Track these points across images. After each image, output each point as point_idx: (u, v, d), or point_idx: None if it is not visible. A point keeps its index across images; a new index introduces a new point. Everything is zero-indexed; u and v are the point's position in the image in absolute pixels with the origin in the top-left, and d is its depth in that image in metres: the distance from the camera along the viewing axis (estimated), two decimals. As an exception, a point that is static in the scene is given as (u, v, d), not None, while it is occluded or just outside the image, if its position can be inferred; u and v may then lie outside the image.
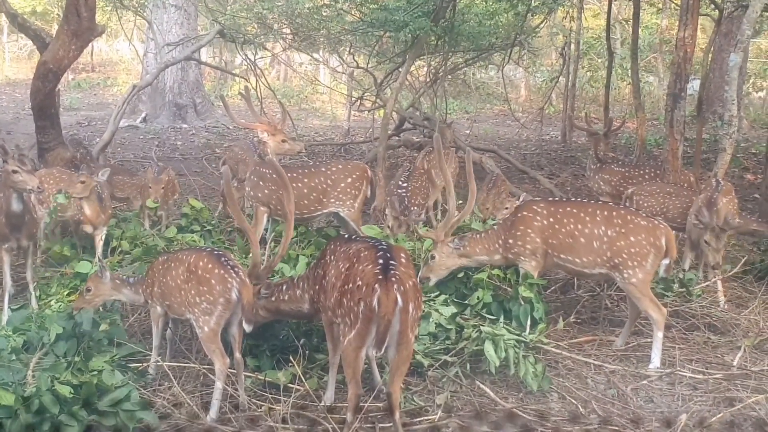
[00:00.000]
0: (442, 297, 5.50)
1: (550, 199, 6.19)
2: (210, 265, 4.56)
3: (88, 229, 6.57)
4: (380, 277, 4.05)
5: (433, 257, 5.76)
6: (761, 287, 6.80)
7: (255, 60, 13.80)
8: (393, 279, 4.04)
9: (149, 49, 17.52)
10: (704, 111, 13.31)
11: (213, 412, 4.49)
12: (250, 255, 4.94)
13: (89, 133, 14.97)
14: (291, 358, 4.84)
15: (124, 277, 5.14)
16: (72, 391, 4.28)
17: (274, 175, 7.04)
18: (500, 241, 5.79)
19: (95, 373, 4.47)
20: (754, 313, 6.26)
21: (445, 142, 9.69)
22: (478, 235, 5.90)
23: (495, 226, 5.96)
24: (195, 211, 7.49)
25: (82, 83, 23.54)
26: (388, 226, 7.03)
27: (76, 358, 4.64)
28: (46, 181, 6.62)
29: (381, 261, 4.15)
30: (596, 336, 5.87)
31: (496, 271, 5.85)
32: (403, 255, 4.34)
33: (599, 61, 19.52)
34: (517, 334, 5.12)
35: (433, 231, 5.88)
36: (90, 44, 11.52)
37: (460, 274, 5.73)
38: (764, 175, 8.79)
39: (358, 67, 14.55)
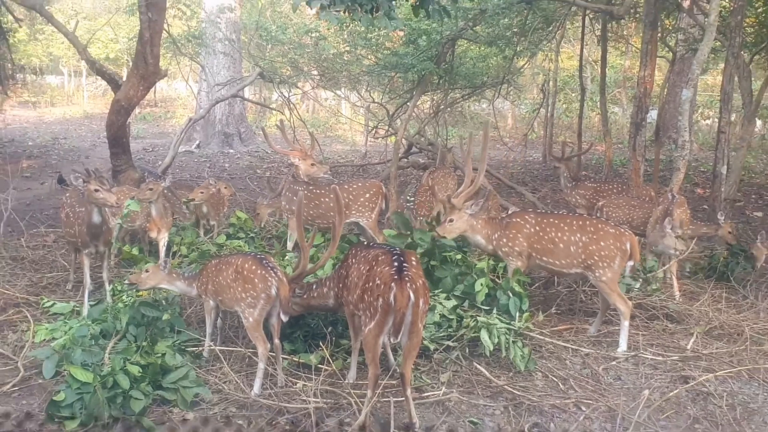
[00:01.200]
0: (445, 293, 5.48)
1: (538, 210, 6.16)
2: (254, 267, 4.57)
3: (153, 234, 6.59)
4: (396, 277, 4.05)
5: (452, 220, 5.73)
6: (710, 284, 6.78)
7: (289, 96, 13.83)
8: (406, 279, 4.05)
9: (202, 88, 17.61)
10: (661, 136, 13.26)
11: (256, 388, 4.50)
12: (288, 258, 4.94)
13: (153, 158, 15.05)
14: (320, 343, 4.86)
15: (181, 271, 5.15)
16: (140, 370, 4.31)
17: (306, 192, 7.12)
18: (496, 235, 5.77)
19: (159, 355, 4.50)
20: (704, 305, 6.21)
21: (446, 164, 9.72)
22: (489, 221, 5.87)
23: (496, 220, 5.92)
24: (241, 222, 7.51)
25: (147, 116, 23.67)
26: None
27: (144, 343, 4.66)
28: (119, 197, 6.66)
29: (396, 264, 4.15)
30: (573, 324, 5.84)
31: (491, 262, 5.82)
32: (413, 259, 4.34)
33: (573, 95, 19.48)
34: (507, 323, 5.09)
35: (455, 200, 5.81)
36: (154, 85, 11.59)
37: (456, 270, 5.69)
38: (711, 189, 8.73)
39: (373, 101, 14.58)
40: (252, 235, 7.37)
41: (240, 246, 6.73)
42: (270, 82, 12.56)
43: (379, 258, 4.26)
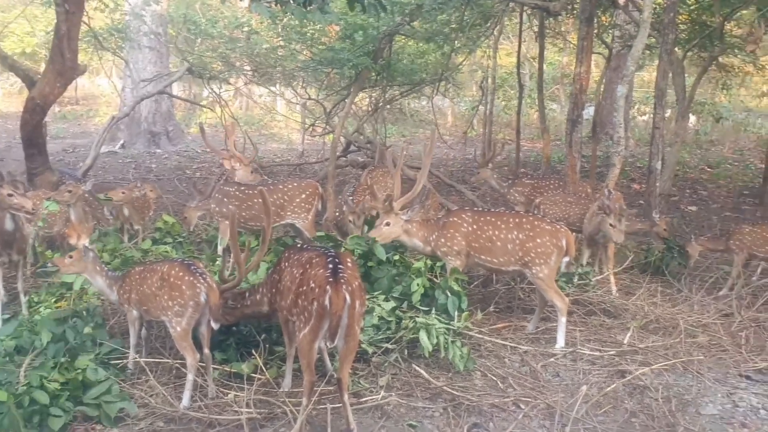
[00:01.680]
0: (383, 295, 5.49)
1: (475, 209, 6.26)
2: (181, 273, 4.48)
3: (73, 240, 6.35)
4: (331, 279, 4.03)
5: (388, 224, 5.74)
6: (645, 278, 7.02)
7: (220, 93, 13.62)
8: (342, 281, 4.04)
9: (126, 85, 17.15)
10: (598, 133, 13.64)
11: (186, 400, 4.41)
12: (218, 264, 4.86)
13: (74, 159, 14.57)
14: (253, 351, 4.79)
15: (107, 268, 4.99)
16: (60, 386, 4.16)
17: (237, 193, 7.03)
18: (434, 236, 5.82)
19: (80, 370, 4.35)
20: (640, 299, 6.42)
21: (385, 162, 9.75)
22: (425, 223, 5.90)
23: (432, 221, 5.97)
24: (168, 225, 7.34)
25: (68, 115, 22.89)
26: (351, 221, 6.91)
27: (63, 358, 4.50)
28: (35, 202, 6.41)
29: (331, 266, 4.14)
30: (511, 322, 5.95)
31: (428, 262, 5.86)
32: (349, 260, 4.33)
33: (512, 92, 19.84)
34: (446, 323, 5.14)
35: (395, 203, 5.82)
36: (73, 81, 11.22)
37: (393, 271, 5.71)
38: (647, 184, 9.02)
39: (309, 98, 14.48)
40: (180, 239, 7.21)
41: (167, 251, 6.58)
42: (199, 77, 12.34)
43: (313, 260, 4.24)
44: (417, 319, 5.11)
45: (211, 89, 13.22)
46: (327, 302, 3.97)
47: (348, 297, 3.99)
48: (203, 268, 4.61)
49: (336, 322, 3.96)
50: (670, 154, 11.11)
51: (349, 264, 4.24)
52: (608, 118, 15.57)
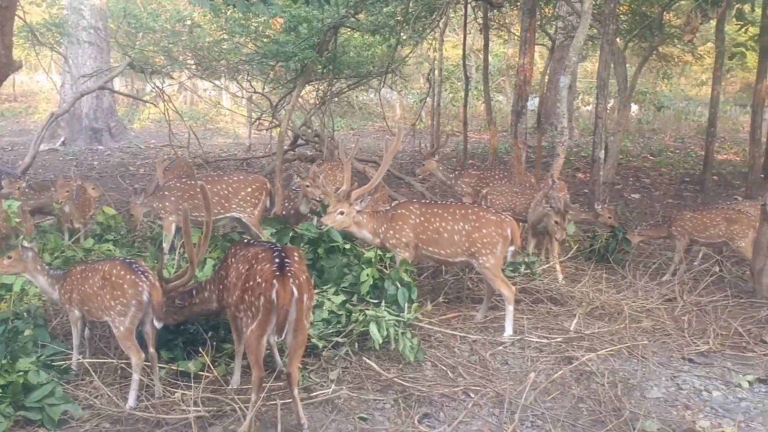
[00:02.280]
0: (333, 288, 5.49)
1: (423, 201, 6.30)
2: (123, 272, 4.39)
3: (12, 240, 6.18)
4: (277, 273, 4.02)
5: (342, 213, 5.73)
6: (590, 266, 7.18)
7: (163, 87, 13.35)
8: (289, 274, 4.02)
9: (66, 81, 16.67)
10: (543, 123, 13.94)
11: (131, 401, 4.33)
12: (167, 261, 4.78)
13: (13, 157, 14.11)
14: (201, 349, 4.74)
15: (47, 267, 4.86)
16: (0, 391, 4.04)
17: (179, 185, 6.94)
18: (382, 228, 5.85)
19: (21, 373, 4.23)
20: (585, 287, 6.56)
21: (335, 155, 9.74)
22: (374, 214, 5.92)
23: (381, 213, 5.98)
24: (108, 218, 7.18)
25: (6, 112, 22.16)
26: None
27: (4, 361, 4.37)
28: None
29: (277, 260, 4.12)
30: (461, 312, 6.01)
31: (379, 253, 5.87)
32: (296, 254, 4.32)
33: (458, 84, 20.06)
34: (396, 315, 5.15)
35: (354, 193, 5.81)
36: (11, 77, 10.84)
37: (344, 260, 5.71)
38: (591, 173, 9.21)
39: (255, 92, 14.36)
40: (119, 236, 7.06)
41: (110, 250, 6.44)
42: (141, 72, 12.06)
43: (259, 256, 4.21)
44: (367, 311, 5.12)
45: (154, 84, 12.94)
46: (274, 296, 3.95)
47: (295, 291, 3.98)
48: (146, 267, 4.52)
49: (284, 317, 3.94)
50: (613, 143, 11.42)
51: (296, 258, 4.23)
52: (552, 108, 15.88)
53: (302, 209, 7.21)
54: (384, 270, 5.73)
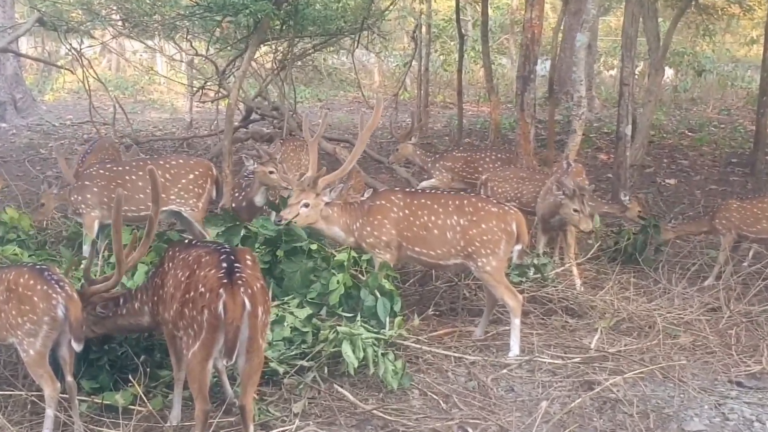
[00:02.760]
0: (297, 300, 5.49)
1: (407, 190, 6.31)
2: (32, 282, 4.35)
3: None
4: (225, 281, 4.02)
5: (306, 205, 5.73)
6: (615, 268, 7.22)
7: (81, 50, 13.22)
8: (239, 282, 4.02)
9: (-44, 41, 16.46)
10: (556, 92, 13.98)
11: (44, 443, 4.32)
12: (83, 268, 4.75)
13: None
14: (131, 377, 4.71)
15: None
16: None
17: (103, 172, 6.89)
18: (357, 224, 5.85)
19: None
20: (609, 294, 6.61)
21: (297, 135, 9.75)
22: (347, 207, 5.93)
23: (356, 205, 5.99)
24: (13, 220, 7.11)
25: None
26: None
27: None
28: None
29: (225, 264, 4.12)
30: (456, 327, 6.04)
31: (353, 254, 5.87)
32: (249, 257, 4.32)
33: (451, 44, 20.04)
34: (375, 332, 5.17)
35: (321, 180, 5.81)
36: None
37: (309, 264, 5.71)
38: (615, 154, 9.28)
39: (197, 54, 14.26)
40: (29, 236, 7.00)
41: (16, 254, 6.37)
42: (54, 30, 11.92)
43: (203, 259, 4.21)
44: (339, 328, 5.13)
45: (70, 45, 12.81)
46: (221, 310, 3.94)
47: (247, 302, 3.98)
48: (61, 275, 4.49)
49: (233, 335, 3.94)
50: (642, 116, 11.52)
51: (249, 262, 4.23)
52: (567, 74, 15.95)
53: (257, 201, 7.20)
54: (359, 276, 5.74)
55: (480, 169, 8.28)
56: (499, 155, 8.54)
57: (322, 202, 5.80)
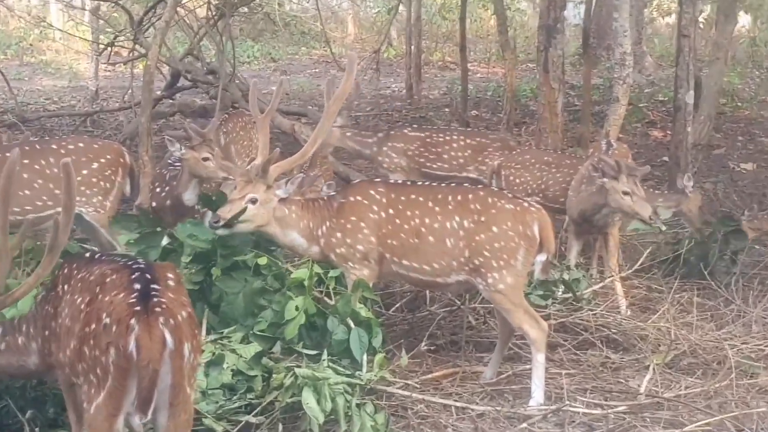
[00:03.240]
0: (240, 333, 5.46)
1: (392, 181, 6.30)
2: None
3: None
4: (137, 308, 3.97)
5: (254, 200, 5.67)
6: (673, 284, 7.20)
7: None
8: (157, 310, 3.98)
9: None
10: (593, 47, 13.98)
11: None
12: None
13: None
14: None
15: None
16: None
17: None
18: (324, 227, 5.83)
19: None
20: (664, 319, 6.60)
21: (242, 108, 9.76)
22: (309, 205, 5.90)
23: (322, 203, 5.97)
24: None
25: None
26: None
27: None
28: None
29: (138, 285, 4.07)
30: (458, 367, 6.03)
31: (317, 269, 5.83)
32: (171, 275, 4.28)
33: (452, -18, 20.10)
34: (347, 375, 5.16)
35: (272, 166, 5.75)
36: None
37: (257, 284, 5.69)
38: (673, 130, 9.28)
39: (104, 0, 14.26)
40: None
41: None
42: None
43: (108, 279, 4.17)
44: (298, 370, 5.11)
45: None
46: (132, 348, 3.90)
47: (169, 337, 3.93)
48: None
49: (150, 381, 3.89)
50: (709, 78, 11.56)
51: (171, 282, 4.20)
52: (607, 22, 15.97)
53: (186, 198, 7.18)
54: (326, 300, 5.73)
55: (445, 156, 8.17)
56: (497, 141, 8.30)
57: (276, 197, 5.76)
